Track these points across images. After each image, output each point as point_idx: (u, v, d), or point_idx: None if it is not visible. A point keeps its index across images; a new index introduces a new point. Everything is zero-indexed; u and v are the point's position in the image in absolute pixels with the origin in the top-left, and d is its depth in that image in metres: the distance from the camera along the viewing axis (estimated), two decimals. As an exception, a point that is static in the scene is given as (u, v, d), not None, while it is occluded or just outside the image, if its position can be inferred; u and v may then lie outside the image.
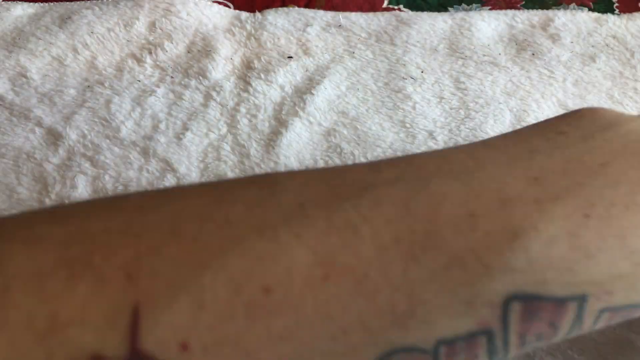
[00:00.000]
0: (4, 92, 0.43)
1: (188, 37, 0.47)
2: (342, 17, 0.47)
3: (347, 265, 0.20)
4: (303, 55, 0.46)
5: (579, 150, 0.23)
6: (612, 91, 0.42)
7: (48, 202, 0.37)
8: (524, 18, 0.46)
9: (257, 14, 0.47)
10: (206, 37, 0.47)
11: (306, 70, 0.45)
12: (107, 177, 0.39)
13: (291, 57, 0.45)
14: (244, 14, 0.47)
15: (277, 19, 0.46)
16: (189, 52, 0.46)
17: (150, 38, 0.47)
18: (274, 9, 0.47)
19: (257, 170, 0.40)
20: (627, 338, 0.35)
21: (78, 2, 0.52)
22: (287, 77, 0.45)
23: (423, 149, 0.41)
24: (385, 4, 0.50)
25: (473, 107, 0.43)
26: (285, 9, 0.47)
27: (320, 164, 0.40)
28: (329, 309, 0.20)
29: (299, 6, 0.49)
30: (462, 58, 0.44)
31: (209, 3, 0.49)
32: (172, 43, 0.47)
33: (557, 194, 0.21)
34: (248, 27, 0.46)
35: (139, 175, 0.39)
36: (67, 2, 0.52)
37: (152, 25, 0.48)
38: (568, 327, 0.22)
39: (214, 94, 0.43)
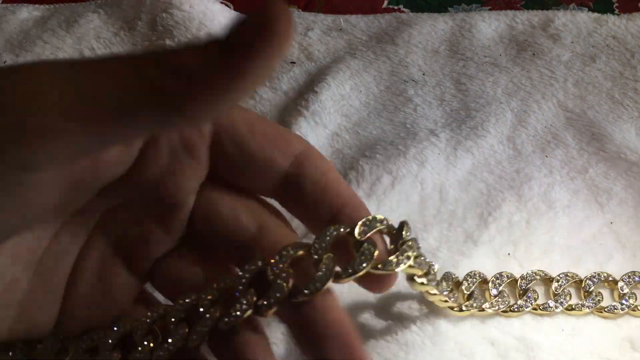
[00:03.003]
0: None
1: (190, 32, 0.47)
2: (342, 20, 0.47)
3: None
4: (306, 60, 0.46)
5: None
6: (613, 91, 0.43)
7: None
8: (524, 18, 0.46)
9: (258, 18, 0.47)
10: (211, 32, 0.47)
11: (309, 75, 0.45)
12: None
13: (294, 62, 0.46)
14: (245, 18, 0.48)
15: (278, 23, 0.46)
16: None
17: (153, 38, 0.48)
18: (274, 13, 0.48)
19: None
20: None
21: (83, 4, 0.52)
22: (291, 83, 0.45)
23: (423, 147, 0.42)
24: (385, 4, 0.50)
25: (474, 107, 0.43)
26: (286, 13, 0.48)
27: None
28: None
29: (299, 6, 0.49)
30: (463, 59, 0.45)
31: (212, 0, 0.49)
32: (173, 42, 0.47)
33: None
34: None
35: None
36: (72, 4, 0.52)
37: (153, 23, 0.48)
38: None
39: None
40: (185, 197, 0.28)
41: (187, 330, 0.27)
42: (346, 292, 0.36)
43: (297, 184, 0.28)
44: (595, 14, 0.46)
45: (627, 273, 0.36)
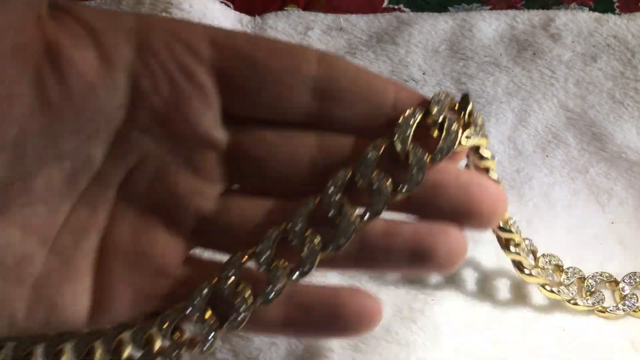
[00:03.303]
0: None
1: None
2: (342, 19, 0.47)
3: None
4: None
5: None
6: (614, 91, 0.43)
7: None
8: (524, 18, 0.46)
9: (257, 18, 0.47)
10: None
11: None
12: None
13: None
14: (245, 18, 0.47)
15: (278, 23, 0.46)
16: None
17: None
18: (273, 12, 0.47)
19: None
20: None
21: (81, 4, 0.52)
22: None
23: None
24: (385, 4, 0.50)
25: (474, 107, 0.43)
26: (285, 12, 0.47)
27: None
28: None
29: (299, 6, 0.49)
30: (463, 59, 0.45)
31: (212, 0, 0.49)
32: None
33: None
34: (249, 31, 0.47)
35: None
36: (71, 3, 0.52)
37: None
38: None
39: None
40: (206, 130, 0.26)
41: (286, 266, 0.26)
42: (346, 292, 0.36)
43: (336, 88, 0.25)
44: (596, 14, 0.46)
45: (629, 274, 0.36)
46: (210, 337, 0.26)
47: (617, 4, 0.48)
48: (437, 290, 0.36)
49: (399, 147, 0.25)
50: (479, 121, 0.26)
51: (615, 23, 0.45)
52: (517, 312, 0.36)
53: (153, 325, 0.26)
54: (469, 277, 0.37)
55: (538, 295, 0.37)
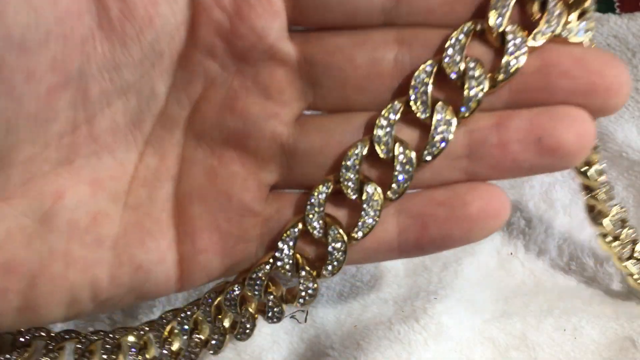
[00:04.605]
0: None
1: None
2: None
3: None
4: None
5: None
6: (614, 91, 0.43)
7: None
8: (525, 18, 0.46)
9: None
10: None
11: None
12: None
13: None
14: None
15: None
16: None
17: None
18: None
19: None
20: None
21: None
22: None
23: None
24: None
25: (476, 107, 0.43)
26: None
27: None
28: None
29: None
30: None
31: None
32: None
33: None
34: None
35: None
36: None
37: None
38: None
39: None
40: (274, 44, 0.22)
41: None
42: (347, 291, 0.36)
43: None
44: (597, 14, 0.46)
45: None
46: (309, 288, 0.24)
47: (617, 4, 0.48)
48: (440, 288, 0.36)
49: (494, 25, 0.21)
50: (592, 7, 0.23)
51: (616, 23, 0.45)
52: (519, 310, 0.36)
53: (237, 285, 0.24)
54: (472, 275, 0.37)
55: (540, 295, 0.37)
